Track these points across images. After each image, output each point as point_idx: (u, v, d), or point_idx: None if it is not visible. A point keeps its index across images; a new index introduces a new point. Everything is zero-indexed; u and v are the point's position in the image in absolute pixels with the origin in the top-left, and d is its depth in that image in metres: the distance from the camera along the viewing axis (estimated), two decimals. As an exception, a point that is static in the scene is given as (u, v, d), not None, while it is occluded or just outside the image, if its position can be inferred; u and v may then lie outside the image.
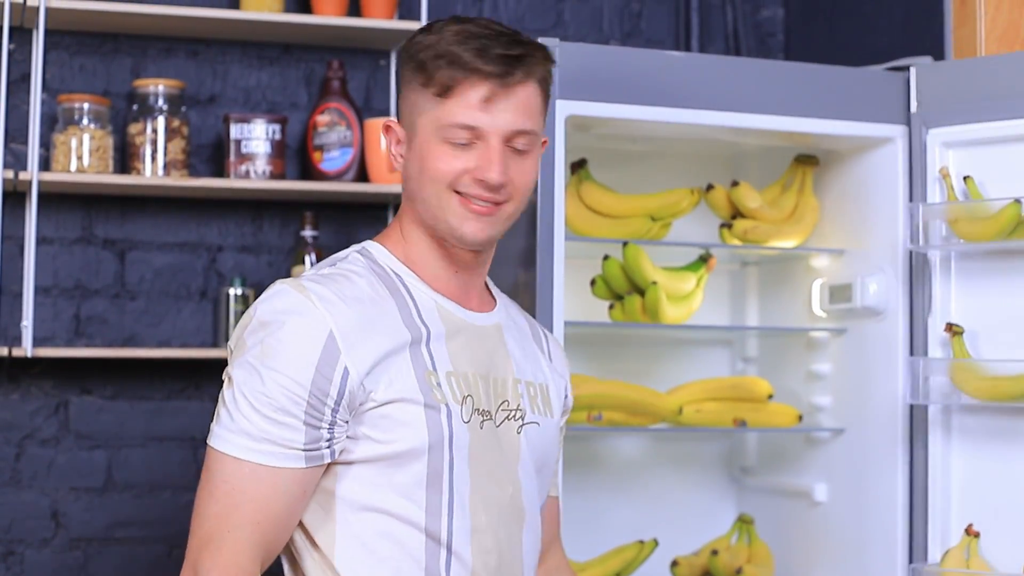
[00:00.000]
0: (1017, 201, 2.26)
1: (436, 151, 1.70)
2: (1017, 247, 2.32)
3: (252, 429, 1.60)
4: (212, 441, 1.63)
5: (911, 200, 2.47)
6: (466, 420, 1.69)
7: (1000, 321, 2.37)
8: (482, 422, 1.72)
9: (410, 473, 1.65)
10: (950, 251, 2.41)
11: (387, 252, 1.76)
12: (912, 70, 2.49)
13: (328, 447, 1.63)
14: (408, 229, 1.77)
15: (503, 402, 1.76)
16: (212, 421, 1.65)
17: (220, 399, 1.65)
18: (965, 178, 2.35)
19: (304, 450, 1.61)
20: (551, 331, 2.23)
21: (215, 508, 1.60)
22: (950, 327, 2.35)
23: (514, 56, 1.69)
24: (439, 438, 1.66)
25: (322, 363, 1.61)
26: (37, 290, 3.01)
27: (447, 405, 1.68)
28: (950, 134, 2.41)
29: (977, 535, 2.25)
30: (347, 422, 1.64)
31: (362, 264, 1.73)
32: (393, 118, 1.79)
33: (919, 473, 2.42)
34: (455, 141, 1.69)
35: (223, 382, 1.66)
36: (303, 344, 1.61)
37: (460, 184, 1.69)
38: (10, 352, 2.82)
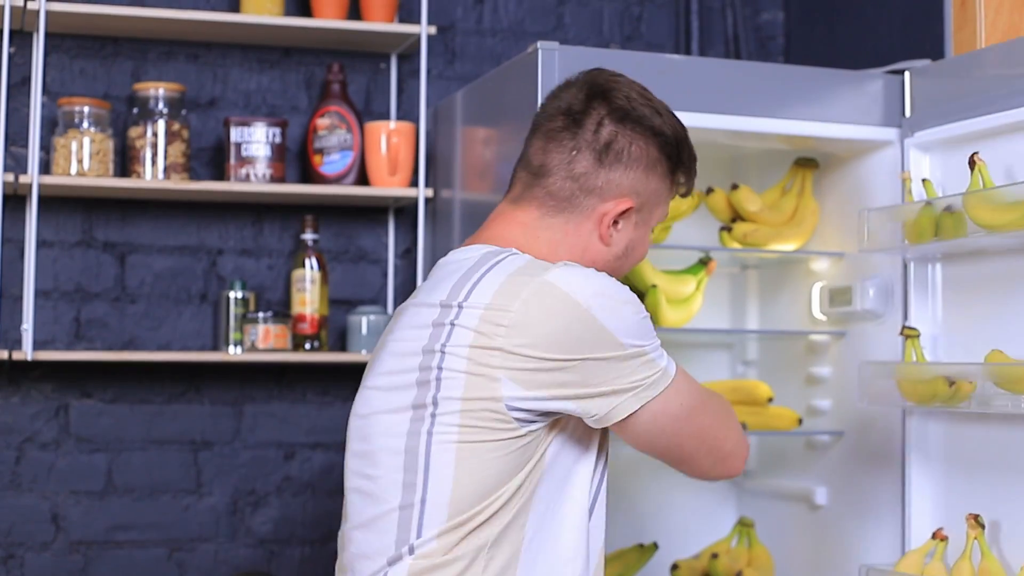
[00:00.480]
0: (929, 203, 2.26)
1: (647, 235, 1.86)
2: (940, 249, 2.32)
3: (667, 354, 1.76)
4: (663, 383, 1.71)
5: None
6: None
7: (959, 324, 2.37)
8: None
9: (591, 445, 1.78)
10: (930, 254, 2.42)
11: None
12: (907, 74, 2.50)
13: None
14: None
15: None
16: (636, 389, 1.71)
17: (646, 367, 1.71)
18: (923, 180, 2.35)
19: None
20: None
21: (711, 402, 1.78)
22: (904, 330, 2.36)
23: None
24: None
25: None
26: (37, 293, 3.01)
27: None
28: (924, 137, 2.42)
29: (945, 539, 2.24)
30: None
31: None
32: (628, 199, 1.81)
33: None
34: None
35: (611, 359, 1.69)
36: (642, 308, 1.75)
37: None
38: (10, 355, 2.82)
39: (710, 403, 1.79)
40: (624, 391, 1.69)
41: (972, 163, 2.19)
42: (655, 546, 2.76)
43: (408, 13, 3.25)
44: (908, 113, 2.49)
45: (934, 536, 2.26)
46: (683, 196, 1.90)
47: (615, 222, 1.81)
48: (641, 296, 2.63)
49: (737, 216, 2.73)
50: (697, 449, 1.79)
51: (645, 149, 1.80)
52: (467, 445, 1.66)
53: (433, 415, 1.67)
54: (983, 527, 2.15)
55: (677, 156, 1.84)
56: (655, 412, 1.72)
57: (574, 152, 1.79)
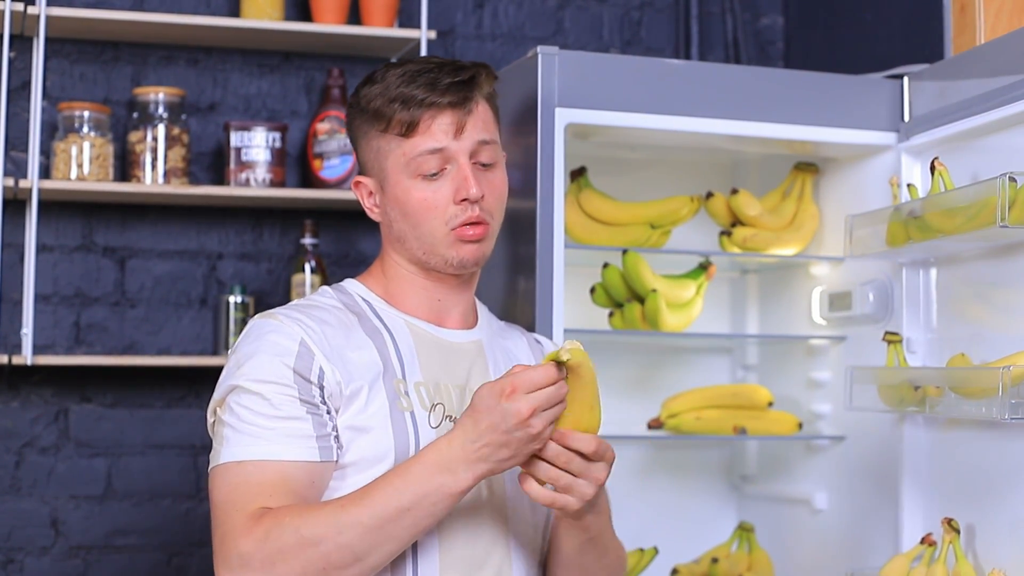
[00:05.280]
0: (897, 209, 2.26)
1: (411, 187, 1.77)
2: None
3: (261, 432, 1.64)
4: (220, 458, 1.65)
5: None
6: (434, 426, 1.74)
7: (952, 328, 2.37)
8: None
9: (371, 476, 1.67)
10: (920, 259, 2.42)
11: (360, 285, 1.85)
12: (906, 78, 2.50)
13: (336, 442, 1.68)
14: (391, 266, 1.84)
15: None
16: (212, 452, 1.68)
17: (219, 425, 1.69)
18: (909, 185, 2.36)
19: (317, 438, 1.66)
20: (551, 339, 2.23)
21: (231, 502, 1.63)
22: (885, 335, 2.36)
23: (463, 82, 1.77)
24: (404, 443, 1.70)
25: (299, 364, 1.67)
26: (37, 298, 3.01)
27: (412, 412, 1.72)
28: (916, 141, 2.43)
29: (933, 544, 2.24)
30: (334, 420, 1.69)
31: (331, 295, 1.82)
32: (358, 175, 1.85)
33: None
34: (426, 172, 1.76)
35: (214, 415, 1.71)
36: (279, 351, 1.68)
37: (447, 215, 1.76)
38: (10, 360, 2.82)
39: (226, 504, 1.66)
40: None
41: (932, 168, 2.20)
42: (655, 551, 2.75)
43: (408, 17, 3.25)
44: (907, 118, 2.49)
45: (923, 541, 2.26)
46: (399, 134, 1.77)
47: (370, 195, 1.83)
48: (641, 300, 2.63)
49: (737, 220, 2.73)
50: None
51: (353, 129, 1.84)
52: None
53: None
54: (957, 532, 2.15)
55: (362, 114, 1.81)
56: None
57: None
